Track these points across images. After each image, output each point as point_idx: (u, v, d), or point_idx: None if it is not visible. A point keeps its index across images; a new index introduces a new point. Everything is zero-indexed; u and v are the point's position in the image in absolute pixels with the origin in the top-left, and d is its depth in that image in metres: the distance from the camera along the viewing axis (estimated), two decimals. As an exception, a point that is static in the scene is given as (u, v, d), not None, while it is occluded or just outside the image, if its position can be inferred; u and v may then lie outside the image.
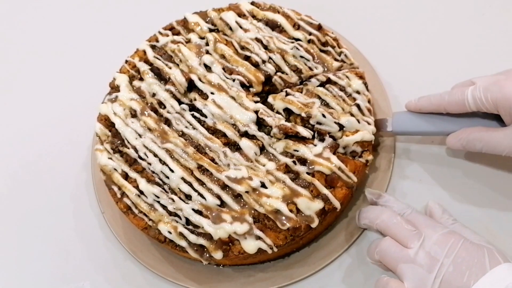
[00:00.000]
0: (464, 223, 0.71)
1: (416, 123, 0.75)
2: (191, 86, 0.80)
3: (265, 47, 0.81)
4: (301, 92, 0.78)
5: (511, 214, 0.76)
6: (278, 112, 0.76)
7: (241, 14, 0.85)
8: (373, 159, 0.79)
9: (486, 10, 0.93)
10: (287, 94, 0.77)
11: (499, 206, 0.76)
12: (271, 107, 0.77)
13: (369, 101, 0.77)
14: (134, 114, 0.80)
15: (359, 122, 0.73)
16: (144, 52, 0.85)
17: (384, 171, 0.80)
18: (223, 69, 0.80)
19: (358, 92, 0.77)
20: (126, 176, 0.76)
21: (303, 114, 0.74)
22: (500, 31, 0.90)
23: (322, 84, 0.78)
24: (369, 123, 0.75)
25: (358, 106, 0.75)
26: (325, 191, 0.70)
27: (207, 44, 0.83)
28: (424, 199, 0.76)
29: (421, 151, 0.81)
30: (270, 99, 0.77)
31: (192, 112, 0.78)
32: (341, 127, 0.73)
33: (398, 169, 0.81)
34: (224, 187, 0.72)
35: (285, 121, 0.75)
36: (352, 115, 0.74)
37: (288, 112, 0.77)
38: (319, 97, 0.76)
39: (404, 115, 0.77)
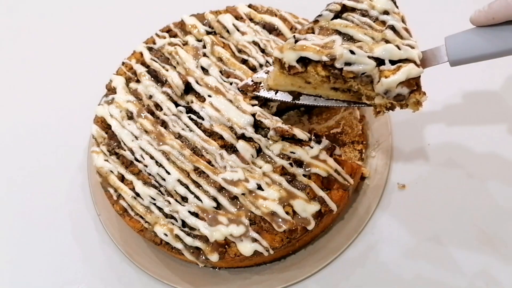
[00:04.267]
0: (461, 225, 0.71)
1: (479, 43, 0.57)
2: (188, 89, 0.80)
3: (262, 51, 0.81)
4: (313, 33, 0.64)
5: (508, 217, 0.76)
6: (290, 67, 0.62)
7: (238, 17, 0.86)
8: (370, 158, 0.78)
9: None
10: (296, 39, 0.62)
11: (497, 209, 0.76)
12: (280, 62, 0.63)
13: (403, 20, 0.62)
14: (130, 116, 0.80)
15: (399, 48, 0.58)
16: (141, 54, 0.86)
17: (381, 173, 0.80)
18: (220, 72, 0.80)
19: (386, 12, 0.62)
20: (122, 178, 0.76)
21: (324, 58, 0.58)
22: None
23: (337, 16, 0.63)
24: (412, 47, 0.58)
25: (392, 28, 0.60)
26: (321, 193, 0.70)
27: (204, 47, 0.83)
28: (422, 200, 0.76)
29: (418, 153, 0.81)
30: (276, 52, 0.63)
31: (189, 115, 0.78)
32: (377, 61, 0.58)
33: (396, 170, 0.81)
34: (220, 189, 0.72)
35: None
36: (387, 41, 0.59)
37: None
38: (339, 32, 0.62)
39: (461, 37, 0.59)
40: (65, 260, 0.82)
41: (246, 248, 0.68)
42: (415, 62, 0.57)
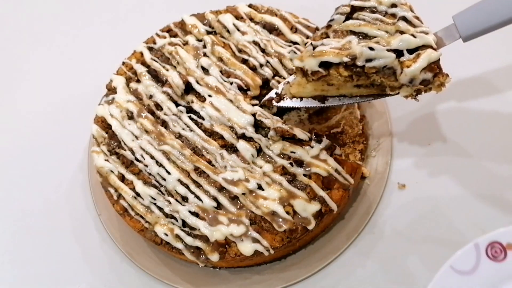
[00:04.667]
0: (459, 223, 0.70)
1: (486, 14, 0.59)
2: (188, 89, 0.80)
3: (263, 51, 0.81)
4: (328, 37, 0.66)
5: (509, 218, 0.76)
6: (313, 73, 0.64)
7: (238, 17, 0.86)
8: (371, 158, 0.78)
9: None
10: (314, 46, 0.64)
11: (497, 209, 0.76)
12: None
13: (411, 9, 0.65)
14: (131, 116, 0.80)
15: (414, 36, 0.60)
16: (141, 54, 0.86)
17: (381, 173, 0.80)
18: (221, 71, 0.80)
19: (394, 5, 0.64)
20: (122, 178, 0.76)
21: (345, 59, 0.61)
22: None
23: (347, 17, 0.66)
24: (426, 33, 0.61)
25: (403, 18, 0.62)
26: (321, 193, 0.70)
27: (204, 47, 0.83)
28: (422, 200, 0.76)
29: (418, 153, 0.81)
30: (296, 62, 0.65)
31: (189, 114, 0.78)
32: (396, 53, 0.60)
33: (396, 170, 0.81)
34: (220, 189, 0.72)
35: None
36: (401, 32, 0.61)
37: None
38: (353, 32, 0.64)
39: (468, 12, 0.61)
40: (65, 260, 0.82)
41: (246, 248, 0.68)
42: (431, 47, 0.59)
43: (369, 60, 0.60)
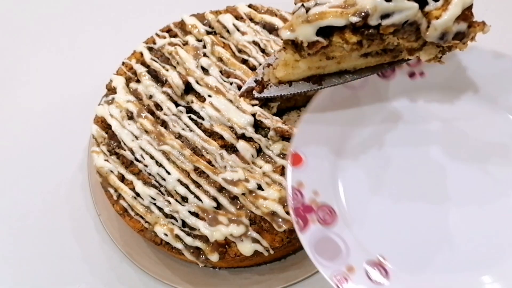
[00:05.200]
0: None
1: None
2: (188, 89, 0.80)
3: (263, 51, 0.81)
4: None
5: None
6: (309, 44, 0.49)
7: (238, 17, 0.86)
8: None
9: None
10: (307, 8, 0.48)
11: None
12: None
13: None
14: (130, 116, 0.80)
15: None
16: (141, 54, 0.86)
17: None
18: (221, 72, 0.80)
19: None
20: (122, 178, 0.76)
21: (354, 19, 0.46)
22: None
23: None
24: None
25: None
26: (321, 193, 0.70)
27: (204, 47, 0.83)
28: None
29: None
30: (285, 33, 0.50)
31: (189, 114, 0.78)
32: (418, 1, 0.47)
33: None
34: (220, 189, 0.72)
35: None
36: None
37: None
38: None
39: None
40: (65, 260, 0.82)
41: (246, 248, 0.69)
42: None
43: (384, 16, 0.46)
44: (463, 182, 0.57)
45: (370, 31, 0.47)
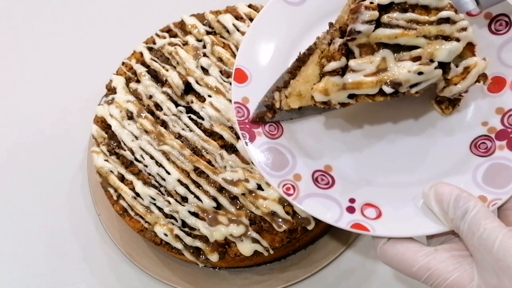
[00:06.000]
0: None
1: None
2: (188, 89, 0.80)
3: (262, 50, 0.81)
4: (352, 56, 0.50)
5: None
6: (340, 103, 0.51)
7: (238, 17, 0.86)
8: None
9: None
10: (338, 73, 0.49)
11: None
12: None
13: None
14: (130, 116, 0.80)
15: (458, 40, 0.48)
16: (141, 54, 0.86)
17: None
18: (221, 72, 0.80)
19: None
20: (122, 178, 0.76)
21: (388, 90, 0.48)
22: None
23: (377, 25, 0.48)
24: (464, 29, 0.49)
25: (446, 19, 0.48)
26: (321, 193, 0.70)
27: (204, 47, 0.83)
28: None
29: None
30: (318, 96, 0.50)
31: (189, 115, 0.78)
32: (443, 66, 0.49)
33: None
34: (220, 189, 0.72)
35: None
36: (445, 38, 0.48)
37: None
38: (385, 45, 0.48)
39: None
40: (65, 260, 0.82)
41: (246, 248, 0.69)
42: (471, 43, 0.50)
43: (414, 84, 0.48)
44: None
45: (397, 95, 0.49)
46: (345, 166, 0.56)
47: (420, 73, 0.47)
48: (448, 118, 0.57)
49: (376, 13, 0.48)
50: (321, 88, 0.50)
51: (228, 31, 0.84)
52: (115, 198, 0.75)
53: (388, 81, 0.47)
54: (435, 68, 0.48)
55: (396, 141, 0.57)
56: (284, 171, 0.54)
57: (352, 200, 0.53)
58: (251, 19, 0.86)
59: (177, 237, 0.71)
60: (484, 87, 0.56)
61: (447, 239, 0.51)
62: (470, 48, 0.50)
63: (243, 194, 0.70)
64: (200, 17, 0.88)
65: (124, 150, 0.77)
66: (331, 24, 0.54)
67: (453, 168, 0.54)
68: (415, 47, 0.49)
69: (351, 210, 0.52)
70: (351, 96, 0.50)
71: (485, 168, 0.53)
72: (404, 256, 0.48)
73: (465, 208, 0.46)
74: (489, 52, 0.56)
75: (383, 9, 0.49)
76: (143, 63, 0.85)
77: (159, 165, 0.75)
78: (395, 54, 0.49)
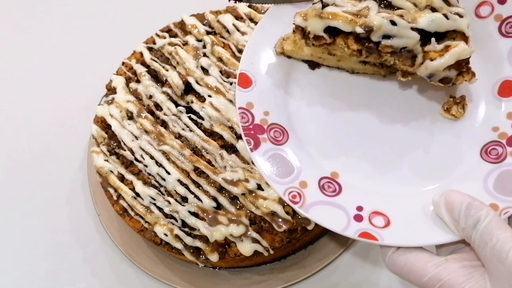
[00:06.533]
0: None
1: None
2: (188, 89, 0.80)
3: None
4: None
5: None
6: (315, 37, 0.52)
7: (238, 17, 0.86)
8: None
9: None
10: (324, 4, 0.52)
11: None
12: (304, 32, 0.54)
13: None
14: (130, 116, 0.80)
15: (447, 18, 0.49)
16: (141, 54, 0.86)
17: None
18: (221, 72, 0.80)
19: None
20: (122, 178, 0.76)
21: (359, 30, 0.49)
22: None
23: None
24: (460, 15, 0.50)
25: None
26: (321, 193, 0.70)
27: (204, 47, 0.83)
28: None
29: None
30: (298, 19, 0.53)
31: (189, 115, 0.78)
32: (421, 33, 0.49)
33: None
34: (220, 189, 0.72)
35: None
36: (433, 9, 0.50)
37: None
38: None
39: None
40: (65, 260, 0.82)
41: (246, 248, 0.69)
42: (464, 34, 0.50)
43: (387, 36, 0.48)
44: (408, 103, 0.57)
45: (370, 45, 0.50)
46: (352, 173, 0.54)
47: (393, 23, 0.48)
48: (458, 125, 0.56)
49: None
50: (303, 12, 0.53)
51: (228, 31, 0.84)
52: (115, 198, 0.75)
53: (362, 23, 0.48)
54: (412, 29, 0.48)
55: (405, 149, 0.56)
56: (290, 178, 0.53)
57: (359, 208, 0.51)
58: (251, 19, 0.86)
59: (177, 237, 0.71)
60: (494, 92, 0.55)
61: (457, 248, 0.49)
62: (463, 38, 0.50)
63: (243, 194, 0.70)
64: (200, 17, 0.88)
65: (124, 150, 0.77)
66: None
67: (463, 175, 0.53)
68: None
69: (358, 218, 0.51)
70: (328, 32, 0.51)
71: (496, 175, 0.52)
72: (413, 266, 0.47)
73: (477, 217, 0.45)
74: (499, 55, 0.55)
75: None
76: (143, 63, 0.85)
77: (159, 165, 0.75)
78: (380, 8, 0.50)
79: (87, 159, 0.88)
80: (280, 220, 0.68)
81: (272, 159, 0.54)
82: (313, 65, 0.60)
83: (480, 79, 0.54)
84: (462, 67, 0.50)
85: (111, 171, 0.76)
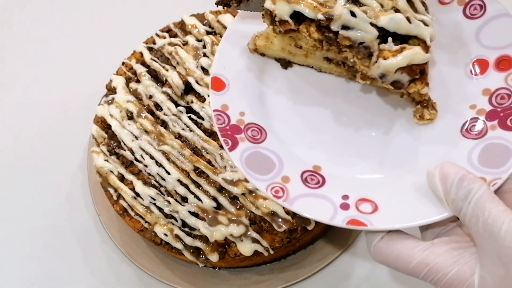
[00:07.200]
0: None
1: None
2: (188, 89, 0.80)
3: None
4: None
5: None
6: (281, 21, 0.54)
7: (238, 17, 0.86)
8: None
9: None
10: None
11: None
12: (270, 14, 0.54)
13: None
14: (130, 116, 0.80)
15: (410, 21, 0.49)
16: (141, 54, 0.86)
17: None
18: (220, 71, 0.80)
19: None
20: (122, 178, 0.76)
21: (320, 16, 0.50)
22: None
23: None
24: (425, 23, 0.50)
25: (410, 1, 0.51)
26: (321, 193, 0.70)
27: (204, 47, 0.83)
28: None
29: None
30: (267, 3, 0.54)
31: (189, 114, 0.78)
32: (380, 32, 0.50)
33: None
34: (220, 189, 0.72)
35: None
36: (397, 11, 0.50)
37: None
38: None
39: None
40: (65, 260, 0.82)
41: (246, 248, 0.69)
42: (425, 43, 0.50)
43: (346, 27, 0.49)
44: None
45: (330, 34, 0.51)
46: (334, 164, 0.55)
47: (353, 14, 0.49)
48: (436, 107, 0.56)
49: None
50: None
51: (228, 31, 0.84)
52: (115, 198, 0.75)
53: (324, 12, 0.50)
54: (372, 25, 0.49)
55: (386, 135, 0.56)
56: (271, 174, 0.53)
57: (345, 197, 0.52)
58: (251, 19, 0.86)
59: (177, 237, 0.71)
60: (467, 72, 0.56)
61: (442, 230, 0.49)
62: (424, 47, 0.51)
63: (243, 194, 0.70)
64: (200, 17, 0.88)
65: (124, 150, 0.77)
66: None
67: (447, 154, 0.53)
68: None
69: (345, 207, 0.51)
70: (294, 18, 0.52)
71: (480, 149, 0.52)
72: (400, 252, 0.46)
73: (469, 189, 0.44)
74: (467, 37, 0.56)
75: None
76: (143, 63, 0.85)
77: (159, 165, 0.75)
78: (348, 3, 0.51)
79: (87, 159, 0.88)
80: (280, 220, 0.68)
81: (252, 157, 0.54)
82: (285, 63, 0.61)
83: (451, 67, 0.55)
84: (415, 73, 0.50)
85: (111, 171, 0.76)
